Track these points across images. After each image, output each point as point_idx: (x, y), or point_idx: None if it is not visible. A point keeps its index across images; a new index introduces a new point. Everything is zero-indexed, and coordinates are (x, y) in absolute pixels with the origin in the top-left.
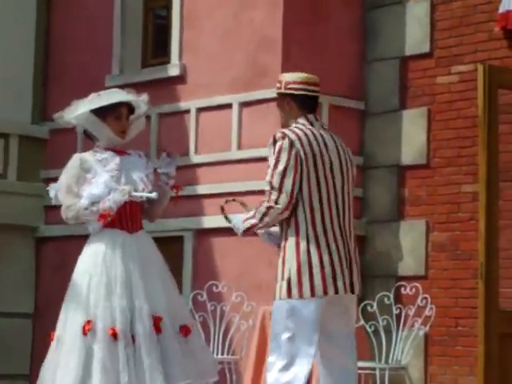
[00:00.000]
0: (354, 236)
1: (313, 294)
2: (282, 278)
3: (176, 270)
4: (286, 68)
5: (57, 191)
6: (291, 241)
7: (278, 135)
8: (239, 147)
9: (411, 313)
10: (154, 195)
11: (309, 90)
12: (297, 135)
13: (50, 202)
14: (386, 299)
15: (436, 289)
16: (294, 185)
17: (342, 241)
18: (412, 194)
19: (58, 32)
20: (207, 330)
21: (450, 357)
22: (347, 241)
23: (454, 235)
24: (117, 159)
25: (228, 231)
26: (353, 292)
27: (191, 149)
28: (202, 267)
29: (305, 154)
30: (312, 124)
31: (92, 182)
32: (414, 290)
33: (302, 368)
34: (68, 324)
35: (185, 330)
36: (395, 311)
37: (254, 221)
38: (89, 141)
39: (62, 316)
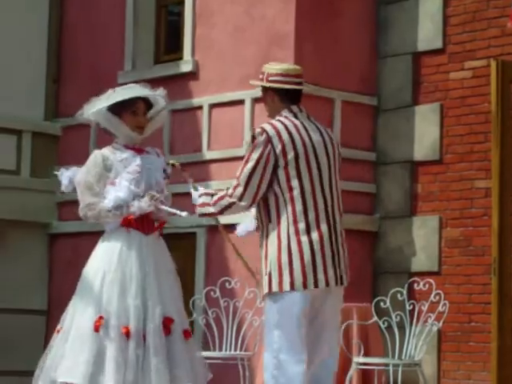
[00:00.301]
0: (342, 228)
1: (292, 287)
2: (265, 273)
3: (189, 266)
4: (298, 63)
5: (72, 181)
6: (272, 235)
7: (257, 131)
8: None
9: (424, 309)
10: (183, 214)
11: (290, 82)
12: (276, 130)
13: (63, 198)
14: (399, 295)
15: (449, 285)
16: (260, 185)
17: (329, 234)
18: (425, 189)
19: (71, 28)
20: (220, 326)
21: (463, 353)
22: (335, 234)
23: (467, 231)
24: (137, 160)
25: None
26: (342, 283)
27: (204, 145)
28: (214, 263)
29: (284, 149)
30: (296, 116)
31: (115, 182)
32: (427, 285)
33: (294, 367)
34: (77, 318)
35: (187, 334)
36: (408, 307)
37: (212, 210)
38: (101, 137)
39: (70, 309)
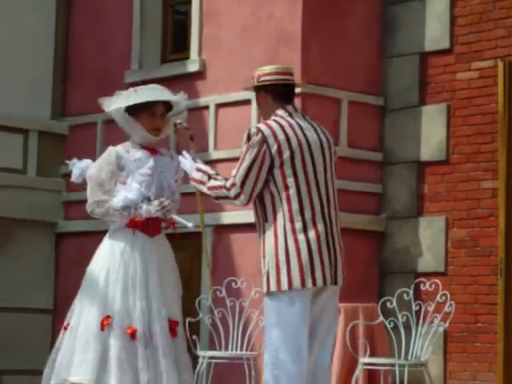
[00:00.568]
0: (339, 226)
1: (290, 286)
2: (264, 273)
3: (195, 265)
4: (305, 63)
5: (84, 173)
6: (269, 235)
7: (252, 130)
8: None
9: (431, 309)
10: (189, 225)
11: (281, 79)
12: (271, 130)
13: (69, 197)
14: (405, 295)
15: (455, 285)
16: (255, 184)
17: (325, 233)
18: (431, 190)
19: (78, 28)
20: (226, 326)
21: (469, 353)
22: (331, 233)
23: (474, 231)
24: (150, 162)
25: (247, 227)
26: (336, 283)
27: (210, 144)
28: (221, 263)
29: (279, 148)
30: (291, 115)
31: (126, 181)
32: (433, 286)
33: (293, 366)
34: (83, 317)
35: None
36: (414, 307)
37: (206, 191)
38: (108, 136)
39: (76, 308)
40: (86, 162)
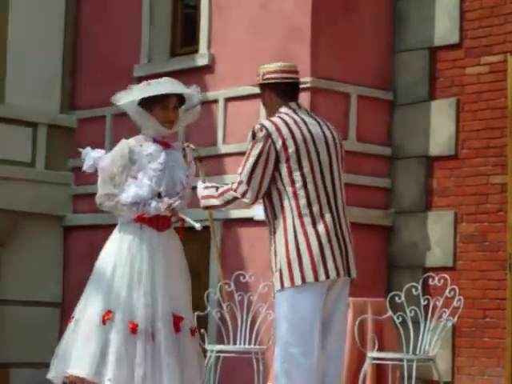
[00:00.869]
0: (348, 219)
1: (304, 281)
2: (276, 270)
3: (203, 259)
4: (314, 58)
5: (96, 163)
6: (279, 231)
7: (257, 127)
8: None
9: (439, 304)
10: (196, 226)
11: (285, 78)
12: (276, 126)
13: (78, 190)
14: (413, 290)
15: (464, 280)
16: (262, 180)
17: (334, 226)
18: (440, 184)
19: (87, 21)
20: (234, 320)
21: (477, 348)
22: (340, 226)
23: (482, 226)
24: (162, 156)
25: (255, 221)
26: (349, 275)
27: (219, 139)
28: (229, 257)
29: (284, 143)
30: (295, 111)
31: (137, 176)
32: (442, 281)
33: (305, 360)
34: (87, 310)
35: (193, 331)
36: (423, 302)
37: (216, 203)
38: (117, 130)
39: (82, 300)
40: (99, 152)
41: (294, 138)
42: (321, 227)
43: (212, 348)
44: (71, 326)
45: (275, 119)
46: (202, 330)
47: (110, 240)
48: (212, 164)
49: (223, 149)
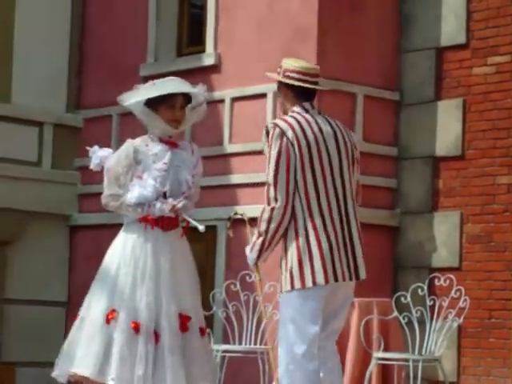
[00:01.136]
0: (358, 220)
1: (314, 283)
2: (286, 270)
3: (209, 259)
4: (320, 58)
5: (103, 162)
6: (291, 232)
7: (270, 126)
8: None
9: (445, 304)
10: (200, 228)
11: (305, 81)
12: (289, 124)
13: (84, 190)
14: (419, 290)
15: (470, 280)
16: (287, 179)
17: (341, 227)
18: (446, 185)
19: (93, 20)
20: (240, 320)
21: (483, 349)
22: (349, 227)
23: (488, 227)
24: (167, 156)
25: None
26: (357, 278)
27: (225, 138)
28: (235, 257)
29: (298, 141)
30: (307, 111)
31: (142, 176)
32: (447, 281)
33: (308, 362)
34: (92, 309)
35: (203, 331)
36: (429, 302)
37: (259, 241)
38: (123, 129)
39: (87, 299)
40: (107, 151)
41: (306, 137)
42: (330, 229)
43: (218, 348)
44: (76, 324)
45: (287, 118)
46: (208, 330)
47: (116, 240)
48: (218, 164)
49: (229, 148)
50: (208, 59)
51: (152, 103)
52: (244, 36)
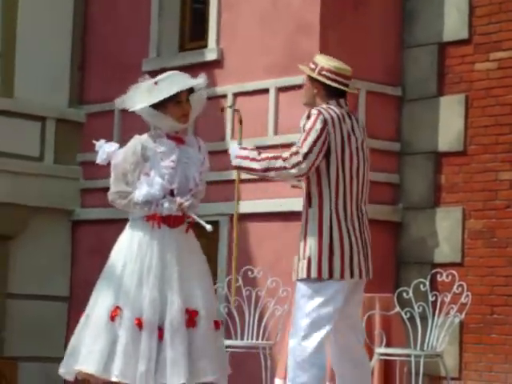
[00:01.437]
0: (367, 219)
1: (331, 276)
2: (304, 257)
3: (211, 254)
4: (323, 53)
5: (109, 157)
6: (314, 221)
7: (314, 111)
8: (276, 132)
9: (447, 300)
10: (207, 227)
11: (340, 82)
12: (330, 115)
13: (86, 185)
14: (421, 286)
15: (472, 276)
16: (318, 156)
17: (359, 225)
18: (448, 180)
19: (96, 15)
20: (242, 315)
21: (485, 344)
22: (365, 225)
23: (491, 222)
24: (175, 154)
25: (264, 216)
26: (368, 277)
27: (228, 134)
28: (238, 252)
29: (335, 134)
30: (342, 107)
31: (150, 173)
32: (450, 277)
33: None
34: (97, 305)
35: (216, 324)
36: (431, 298)
37: (255, 166)
38: (126, 124)
39: (93, 296)
40: (114, 145)
41: (341, 131)
42: (351, 225)
43: None
44: (82, 321)
45: (328, 109)
46: None
47: (122, 236)
48: (220, 159)
49: (232, 144)
50: (210, 54)
51: (159, 104)
52: (247, 31)
